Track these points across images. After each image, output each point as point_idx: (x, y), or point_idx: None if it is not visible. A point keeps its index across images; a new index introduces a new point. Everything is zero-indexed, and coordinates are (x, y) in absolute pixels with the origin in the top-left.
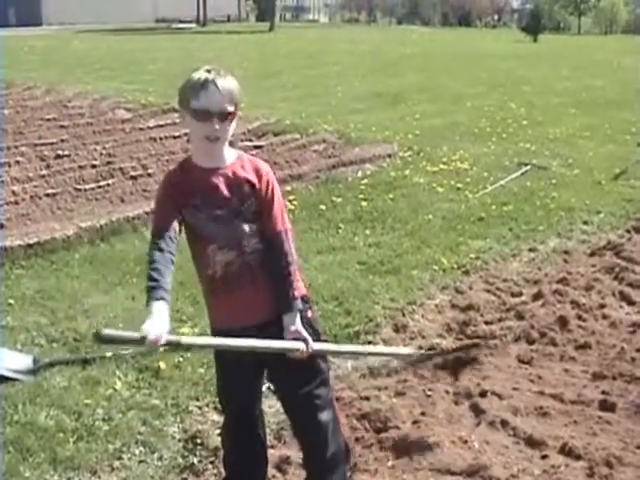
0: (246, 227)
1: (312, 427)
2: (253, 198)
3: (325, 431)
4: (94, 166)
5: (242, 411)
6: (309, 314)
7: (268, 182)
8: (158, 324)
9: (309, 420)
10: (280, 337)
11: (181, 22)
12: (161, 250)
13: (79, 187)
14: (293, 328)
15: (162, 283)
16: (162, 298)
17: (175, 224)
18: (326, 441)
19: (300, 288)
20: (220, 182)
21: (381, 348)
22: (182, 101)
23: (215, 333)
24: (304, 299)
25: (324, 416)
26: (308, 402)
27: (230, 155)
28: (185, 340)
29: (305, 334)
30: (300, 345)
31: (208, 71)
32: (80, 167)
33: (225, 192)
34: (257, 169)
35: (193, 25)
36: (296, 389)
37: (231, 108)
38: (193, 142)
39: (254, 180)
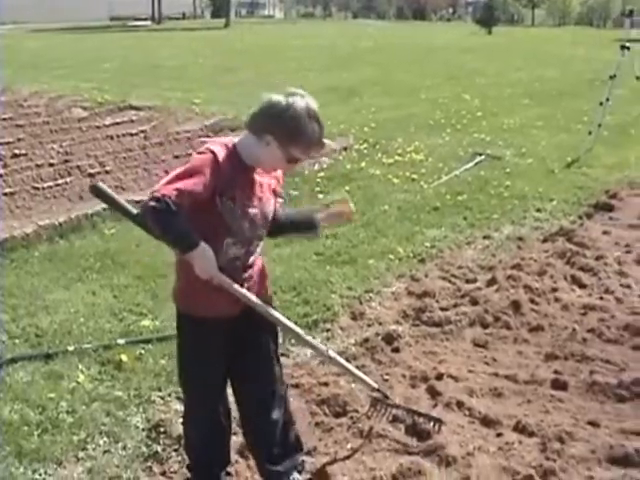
0: (264, 231)
1: (264, 422)
2: (275, 200)
3: (276, 426)
4: (52, 164)
5: (217, 393)
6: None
7: (281, 183)
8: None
9: (261, 416)
10: (255, 324)
11: (136, 20)
12: (181, 212)
13: (37, 186)
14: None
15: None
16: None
17: (193, 201)
18: (276, 434)
19: None
20: (258, 181)
21: (352, 368)
22: (284, 137)
23: (196, 321)
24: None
25: (276, 413)
26: (262, 397)
27: None
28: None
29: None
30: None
31: (319, 121)
32: (37, 166)
33: (263, 193)
34: (277, 172)
35: (148, 23)
36: (252, 382)
37: None
38: (262, 163)
39: (276, 182)
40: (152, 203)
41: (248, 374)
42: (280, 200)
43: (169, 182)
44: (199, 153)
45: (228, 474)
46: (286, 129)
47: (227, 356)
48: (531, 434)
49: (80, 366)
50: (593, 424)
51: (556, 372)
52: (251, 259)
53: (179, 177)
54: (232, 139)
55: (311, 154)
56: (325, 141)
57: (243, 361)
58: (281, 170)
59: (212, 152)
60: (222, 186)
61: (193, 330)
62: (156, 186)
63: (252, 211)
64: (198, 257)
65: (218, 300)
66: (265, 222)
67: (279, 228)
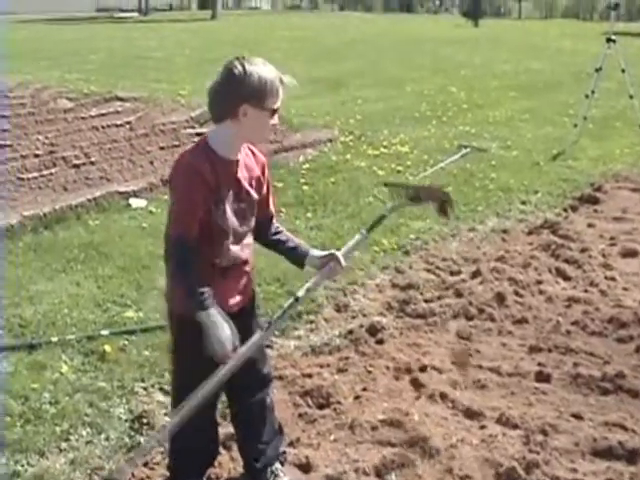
0: (253, 222)
1: (249, 411)
2: (259, 190)
3: (262, 415)
4: (37, 155)
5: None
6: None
7: (266, 172)
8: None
9: (247, 405)
10: (248, 326)
11: (122, 11)
12: (194, 259)
13: (22, 176)
14: (324, 253)
15: (208, 292)
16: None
17: (197, 225)
18: (261, 424)
19: None
20: (242, 175)
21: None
22: (255, 99)
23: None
24: None
25: (261, 400)
26: (250, 389)
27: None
28: (300, 293)
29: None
30: (336, 267)
31: (266, 66)
32: (23, 156)
33: (246, 185)
34: (261, 161)
35: (135, 14)
36: (242, 374)
37: None
38: (249, 134)
39: (259, 172)
40: (171, 251)
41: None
42: (272, 210)
43: (175, 222)
44: (177, 170)
45: (211, 465)
46: (255, 88)
47: None
48: (514, 426)
49: (63, 357)
50: (577, 417)
51: (540, 364)
52: (246, 252)
53: (179, 212)
54: (201, 140)
55: (282, 94)
56: (285, 77)
57: None
58: (269, 131)
59: (190, 165)
60: (210, 195)
61: (193, 330)
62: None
63: (241, 206)
64: (205, 323)
65: (219, 298)
66: (253, 212)
67: (271, 247)
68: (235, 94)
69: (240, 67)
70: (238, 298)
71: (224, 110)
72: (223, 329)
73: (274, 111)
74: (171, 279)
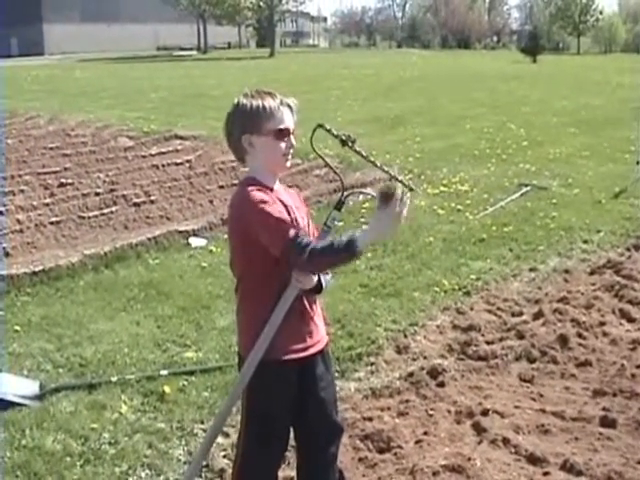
0: None
1: (315, 463)
2: (305, 217)
3: (331, 464)
4: (97, 194)
5: (282, 440)
6: (329, 352)
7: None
8: None
9: (314, 455)
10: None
11: (182, 49)
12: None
13: (83, 215)
14: None
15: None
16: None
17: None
18: (328, 472)
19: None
20: (290, 200)
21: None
22: (252, 127)
23: (273, 365)
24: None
25: (329, 453)
26: (332, 428)
27: None
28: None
29: None
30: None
31: (269, 94)
32: (83, 195)
33: (298, 210)
34: (292, 190)
35: (194, 52)
36: (323, 412)
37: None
38: (264, 163)
39: (299, 201)
40: (302, 258)
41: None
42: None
43: (279, 232)
44: (244, 203)
45: None
46: (248, 116)
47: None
48: (579, 473)
49: (123, 397)
50: None
51: (604, 409)
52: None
53: (274, 222)
54: (244, 179)
55: (285, 116)
56: (289, 101)
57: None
58: (283, 156)
59: (253, 192)
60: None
61: (270, 375)
62: (278, 246)
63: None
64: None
65: (288, 337)
66: None
67: None
68: (235, 129)
69: (234, 103)
70: (315, 338)
71: (236, 149)
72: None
73: (280, 134)
74: (318, 266)
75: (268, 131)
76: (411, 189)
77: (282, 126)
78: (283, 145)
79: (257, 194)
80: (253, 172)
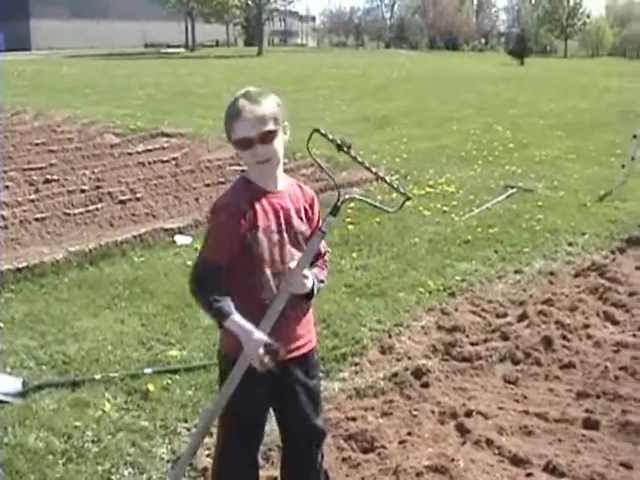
0: (296, 257)
1: (301, 463)
2: (306, 225)
3: (313, 466)
4: (83, 190)
5: (253, 438)
6: (316, 356)
7: (316, 208)
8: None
9: (295, 458)
10: (311, 374)
11: (170, 47)
12: (218, 280)
13: (68, 211)
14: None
15: (227, 303)
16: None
17: (228, 256)
18: (309, 474)
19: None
20: (282, 206)
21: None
22: (227, 133)
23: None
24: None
25: (314, 453)
26: (311, 432)
27: (285, 179)
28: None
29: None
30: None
31: (243, 96)
32: (69, 192)
33: (286, 216)
34: (309, 195)
35: (182, 50)
36: (301, 417)
37: (270, 127)
38: (248, 167)
39: (308, 207)
40: (195, 271)
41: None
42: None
43: (203, 248)
44: (214, 205)
45: None
46: (224, 126)
47: (271, 399)
48: (562, 474)
49: (106, 395)
50: (626, 466)
51: (588, 411)
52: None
53: (207, 238)
54: (242, 174)
55: (241, 126)
56: (248, 109)
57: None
58: (255, 165)
59: (223, 202)
60: (245, 225)
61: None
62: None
63: (275, 237)
64: (234, 331)
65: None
66: (297, 245)
67: None
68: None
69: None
70: (295, 343)
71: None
72: (252, 330)
73: (239, 144)
74: (195, 299)
75: (233, 141)
76: (408, 197)
77: (239, 136)
78: (249, 154)
79: (223, 200)
80: (249, 171)
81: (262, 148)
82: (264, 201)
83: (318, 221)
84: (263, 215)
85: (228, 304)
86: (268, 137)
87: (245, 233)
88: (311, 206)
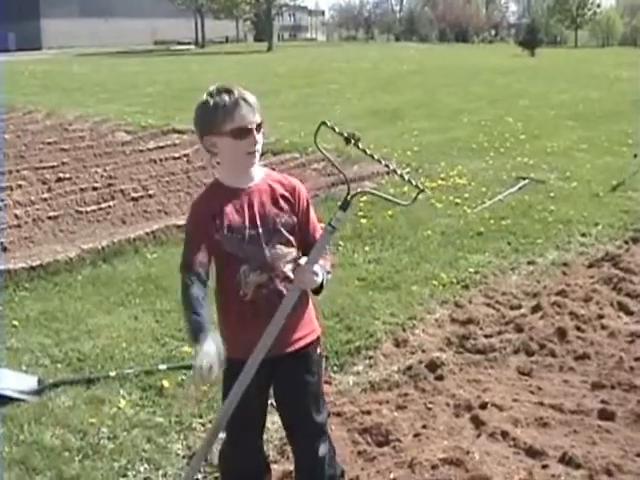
0: (281, 249)
1: (300, 460)
2: (289, 214)
3: (318, 461)
4: (95, 188)
5: (250, 424)
6: (318, 350)
7: (300, 195)
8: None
9: (299, 452)
10: (312, 371)
11: (179, 44)
12: (194, 286)
13: (80, 209)
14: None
15: (204, 323)
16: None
17: (206, 255)
18: (314, 468)
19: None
20: (255, 200)
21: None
22: (211, 127)
23: (231, 363)
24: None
25: (323, 447)
26: (308, 427)
27: (259, 172)
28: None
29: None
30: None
31: (227, 91)
32: (81, 189)
33: (260, 210)
34: (289, 184)
35: (192, 46)
36: (298, 412)
37: (260, 118)
38: (229, 164)
39: (288, 195)
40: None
41: (289, 408)
42: (318, 224)
43: (184, 251)
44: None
45: None
46: (207, 117)
47: (267, 382)
48: (578, 466)
49: (121, 391)
50: None
51: (603, 402)
52: (280, 286)
53: (184, 244)
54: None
55: (243, 113)
56: (246, 97)
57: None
58: (246, 155)
59: (192, 205)
60: (213, 226)
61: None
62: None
63: (250, 232)
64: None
65: (240, 339)
66: (277, 239)
67: None
68: (197, 130)
69: (197, 105)
70: (289, 338)
71: (204, 150)
72: (202, 358)
73: (238, 133)
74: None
75: (227, 131)
76: (422, 190)
77: (240, 125)
78: (245, 144)
79: (194, 203)
80: (219, 174)
81: (257, 136)
82: (235, 200)
83: (308, 209)
84: (234, 213)
85: (199, 322)
86: (260, 127)
87: (215, 233)
88: (292, 194)
